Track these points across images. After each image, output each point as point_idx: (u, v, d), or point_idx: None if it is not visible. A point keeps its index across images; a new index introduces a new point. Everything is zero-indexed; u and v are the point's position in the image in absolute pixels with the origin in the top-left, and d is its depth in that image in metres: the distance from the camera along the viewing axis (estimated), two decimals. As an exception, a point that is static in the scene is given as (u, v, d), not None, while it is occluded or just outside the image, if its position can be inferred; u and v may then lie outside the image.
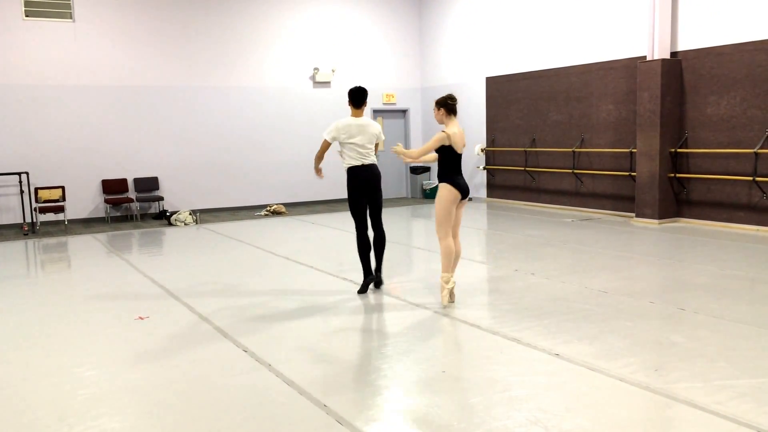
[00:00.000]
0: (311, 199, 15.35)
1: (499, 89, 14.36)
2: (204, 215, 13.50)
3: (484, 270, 8.01)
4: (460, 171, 6.07)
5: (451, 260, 6.01)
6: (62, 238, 11.25)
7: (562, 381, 4.26)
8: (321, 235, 10.85)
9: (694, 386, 4.10)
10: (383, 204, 6.46)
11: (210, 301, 6.56)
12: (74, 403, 4.10)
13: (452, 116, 6.02)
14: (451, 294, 6.08)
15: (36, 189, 12.34)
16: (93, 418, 3.88)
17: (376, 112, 16.12)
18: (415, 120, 16.72)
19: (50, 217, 12.66)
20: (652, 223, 10.73)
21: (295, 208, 14.57)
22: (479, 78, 14.84)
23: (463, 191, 6.02)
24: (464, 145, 6.07)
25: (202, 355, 5.00)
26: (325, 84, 15.34)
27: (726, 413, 3.71)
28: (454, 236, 6.11)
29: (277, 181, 14.96)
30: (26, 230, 11.83)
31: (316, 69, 15.23)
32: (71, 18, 12.79)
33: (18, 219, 12.45)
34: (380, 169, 6.78)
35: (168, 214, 12.77)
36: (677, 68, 10.64)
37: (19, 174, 12.17)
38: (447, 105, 6.00)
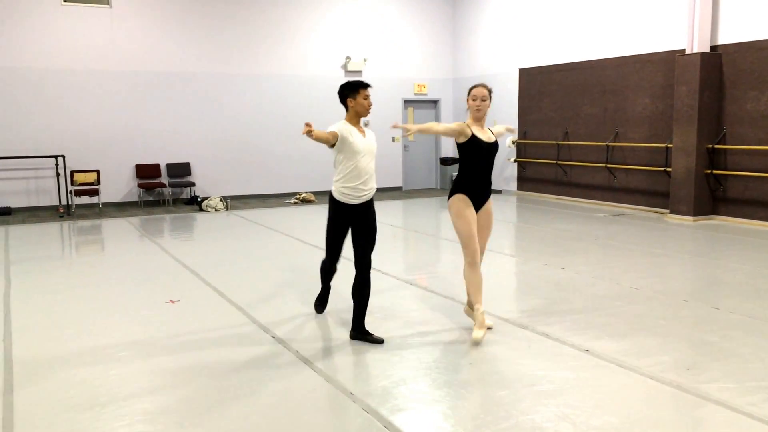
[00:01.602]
0: (341, 188, 15.34)
1: (533, 81, 14.19)
2: (234, 201, 13.62)
3: (513, 263, 7.95)
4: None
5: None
6: (96, 221, 11.45)
7: (591, 377, 4.21)
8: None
9: (727, 387, 4.03)
10: (326, 236, 5.09)
11: (240, 288, 6.62)
12: (106, 383, 4.17)
13: None
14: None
15: (72, 172, 12.56)
16: (124, 398, 3.95)
17: (407, 102, 16.06)
18: (446, 110, 16.61)
19: (85, 200, 12.89)
20: (687, 220, 10.54)
21: (324, 196, 14.57)
22: (512, 69, 14.69)
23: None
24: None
25: (232, 340, 5.05)
26: (357, 73, 15.31)
27: (759, 415, 3.63)
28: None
29: (308, 169, 15.00)
30: (62, 212, 12.07)
31: (348, 58, 15.22)
32: (108, 4, 12.94)
33: (54, 201, 12.70)
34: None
35: (199, 200, 12.92)
36: (717, 62, 10.40)
37: (56, 157, 12.41)
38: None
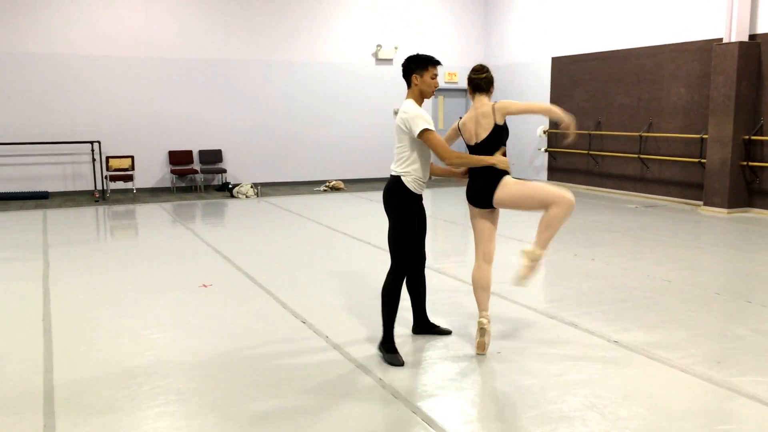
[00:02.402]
0: (370, 176, 15.42)
1: (565, 70, 14.04)
2: (264, 188, 13.75)
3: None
4: (478, 170, 4.38)
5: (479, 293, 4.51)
6: (130, 206, 11.67)
7: (620, 368, 4.20)
8: (380, 212, 10.91)
9: (759, 380, 3.99)
10: (392, 236, 4.42)
11: (272, 273, 6.71)
12: (142, 364, 4.29)
13: (477, 94, 4.45)
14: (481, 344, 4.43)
15: (107, 158, 12.80)
16: (160, 378, 4.06)
17: (437, 91, 15.95)
18: (477, 99, 16.50)
19: (119, 185, 13.14)
20: (721, 213, 10.37)
21: (354, 184, 14.68)
22: (545, 58, 14.53)
23: (474, 197, 4.43)
24: (482, 134, 4.33)
25: (264, 325, 5.14)
26: (388, 61, 15.30)
27: (792, 410, 3.60)
28: (487, 260, 4.54)
29: (337, 156, 15.08)
30: (97, 197, 12.33)
31: (378, 46, 15.21)
32: (143, -8, 13.13)
33: (90, 186, 12.97)
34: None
35: (230, 186, 13.08)
36: (755, 52, 10.17)
37: (92, 143, 12.66)
38: (469, 80, 4.50)
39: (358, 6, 15.04)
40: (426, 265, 4.74)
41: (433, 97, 4.36)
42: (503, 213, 4.63)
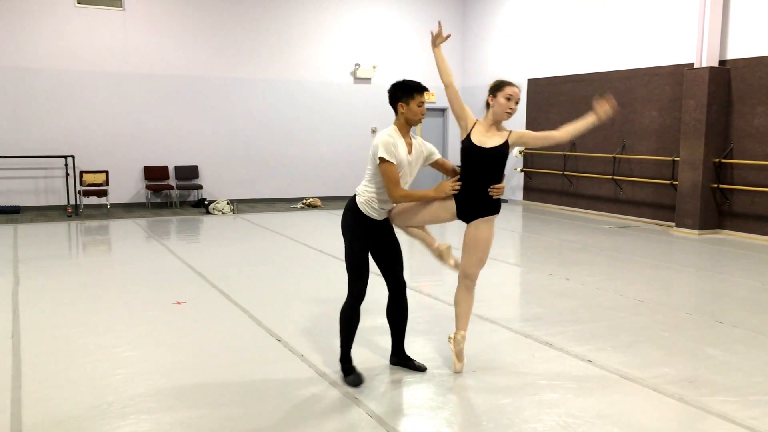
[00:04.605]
0: (347, 194, 15.40)
1: (541, 91, 14.24)
2: (240, 205, 13.68)
3: (518, 273, 7.98)
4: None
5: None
6: (104, 222, 11.52)
7: (594, 387, 4.23)
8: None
9: (729, 400, 4.04)
10: (347, 257, 4.34)
11: (247, 290, 6.66)
12: (113, 382, 4.22)
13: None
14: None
15: (81, 172, 12.65)
16: (131, 396, 3.99)
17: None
18: (454, 119, 16.64)
19: (93, 200, 12.96)
20: (692, 234, 10.54)
21: (331, 201, 14.67)
22: (521, 79, 14.71)
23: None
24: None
25: (238, 343, 5.09)
26: (366, 80, 15.38)
27: (761, 429, 3.65)
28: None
29: (314, 174, 15.07)
30: (70, 212, 12.15)
31: (357, 65, 15.29)
32: (121, 6, 13.07)
33: (62, 201, 12.79)
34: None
35: (206, 202, 12.99)
36: (725, 77, 10.42)
37: (65, 157, 12.50)
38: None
39: (336, 25, 15.14)
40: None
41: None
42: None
